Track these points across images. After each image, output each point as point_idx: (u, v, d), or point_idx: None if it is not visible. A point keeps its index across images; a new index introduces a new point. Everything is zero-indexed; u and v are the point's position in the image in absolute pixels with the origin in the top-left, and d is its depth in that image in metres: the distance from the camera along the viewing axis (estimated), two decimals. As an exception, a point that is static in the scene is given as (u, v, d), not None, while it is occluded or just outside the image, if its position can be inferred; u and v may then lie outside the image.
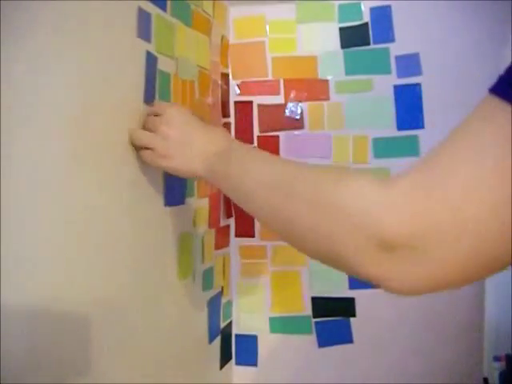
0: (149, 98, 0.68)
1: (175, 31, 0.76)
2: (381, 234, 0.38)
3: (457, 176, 0.35)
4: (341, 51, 1.01)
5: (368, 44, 1.00)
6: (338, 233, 0.41)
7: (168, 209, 0.73)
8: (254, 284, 1.05)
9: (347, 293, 1.01)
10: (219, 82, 0.99)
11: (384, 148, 0.99)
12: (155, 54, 0.70)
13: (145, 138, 0.62)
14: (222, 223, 1.00)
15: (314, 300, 1.03)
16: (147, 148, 0.62)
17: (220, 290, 0.97)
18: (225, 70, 1.03)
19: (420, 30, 0.97)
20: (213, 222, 0.93)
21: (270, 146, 1.03)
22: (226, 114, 1.03)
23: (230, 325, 1.04)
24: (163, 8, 0.72)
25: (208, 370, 0.93)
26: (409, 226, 0.36)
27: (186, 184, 0.79)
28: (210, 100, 0.92)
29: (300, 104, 1.03)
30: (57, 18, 0.49)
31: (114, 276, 0.60)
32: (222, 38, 1.00)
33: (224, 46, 1.01)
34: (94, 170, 0.56)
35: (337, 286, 1.01)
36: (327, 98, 1.02)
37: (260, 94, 1.05)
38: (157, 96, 0.70)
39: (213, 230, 0.93)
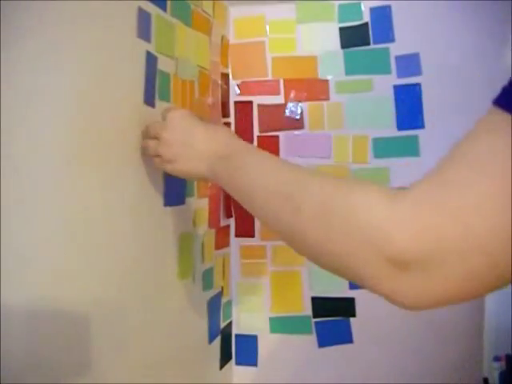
0: (149, 98, 0.68)
1: (175, 31, 0.76)
2: (390, 249, 0.37)
3: (467, 191, 0.34)
4: (341, 51, 1.01)
5: (368, 44, 1.00)
6: (348, 247, 0.40)
7: (168, 209, 0.73)
8: (254, 284, 1.05)
9: (347, 293, 1.01)
10: (219, 81, 0.99)
11: (384, 148, 0.99)
12: (155, 53, 0.70)
13: (151, 146, 0.64)
14: (222, 223, 1.00)
15: (314, 300, 1.03)
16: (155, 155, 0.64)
17: (220, 290, 0.97)
18: (225, 70, 1.03)
19: (420, 30, 0.97)
20: (213, 222, 0.93)
21: (270, 146, 1.03)
22: (225, 114, 1.03)
23: (230, 325, 1.04)
24: (163, 8, 0.72)
25: (208, 370, 0.93)
26: (418, 241, 0.36)
27: (185, 184, 0.79)
28: (209, 100, 0.92)
29: (300, 104, 1.03)
30: (57, 18, 0.49)
31: (114, 276, 0.60)
32: (222, 38, 1.00)
33: (224, 46, 1.01)
34: (94, 170, 0.56)
35: (337, 286, 1.01)
36: (327, 98, 1.02)
37: (260, 94, 1.05)
38: (157, 96, 0.70)
39: (213, 230, 0.93)
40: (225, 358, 1.00)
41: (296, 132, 1.03)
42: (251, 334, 1.06)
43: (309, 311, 1.03)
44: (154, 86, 0.69)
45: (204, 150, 0.60)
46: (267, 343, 1.05)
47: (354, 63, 1.01)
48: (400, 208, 0.38)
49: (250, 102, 1.05)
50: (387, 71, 0.99)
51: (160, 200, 0.71)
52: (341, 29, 1.01)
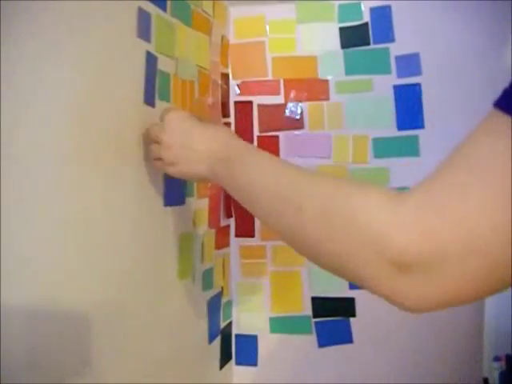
0: (149, 98, 0.68)
1: (175, 31, 0.76)
2: (391, 251, 0.37)
3: (467, 194, 0.34)
4: (341, 51, 1.01)
5: (368, 44, 1.00)
6: (349, 248, 0.41)
7: (168, 209, 0.73)
8: (254, 284, 1.05)
9: (347, 293, 1.01)
10: (219, 81, 0.99)
11: (384, 148, 0.99)
12: (155, 53, 0.70)
13: (153, 150, 0.65)
14: (222, 223, 1.00)
15: (314, 300, 1.03)
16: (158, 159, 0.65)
17: (220, 290, 0.97)
18: (225, 70, 1.03)
19: (420, 30, 0.97)
20: (213, 222, 0.93)
21: (270, 146, 1.03)
22: (225, 114, 1.03)
23: (230, 325, 1.04)
24: (163, 8, 0.72)
25: (208, 370, 0.93)
26: (418, 243, 0.36)
27: (185, 184, 0.79)
28: (209, 100, 0.92)
29: (300, 104, 1.03)
30: (57, 18, 0.49)
31: (114, 276, 0.60)
32: (222, 38, 1.00)
33: (224, 46, 1.01)
34: (94, 170, 0.56)
35: (337, 286, 1.01)
36: (327, 98, 1.02)
37: (260, 94, 1.05)
38: (157, 96, 0.70)
39: (213, 230, 0.93)
40: (225, 358, 1.00)
41: (296, 132, 1.03)
42: (251, 333, 1.06)
43: (309, 311, 1.03)
44: (153, 86, 0.69)
45: (204, 150, 0.60)
46: (267, 343, 1.05)
47: (354, 63, 1.01)
48: (401, 211, 0.38)
49: (250, 102, 1.05)
50: (387, 71, 0.99)
51: (160, 200, 0.71)
52: (341, 29, 1.01)
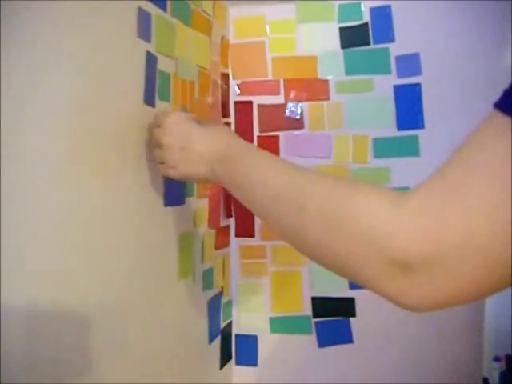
0: (149, 98, 0.68)
1: (175, 31, 0.76)
2: (391, 252, 0.38)
3: (468, 195, 0.35)
4: (341, 51, 1.01)
5: (368, 44, 1.00)
6: (350, 248, 0.41)
7: (168, 209, 0.73)
8: (254, 284, 1.05)
9: (347, 293, 1.01)
10: (219, 81, 0.99)
11: (384, 148, 0.99)
12: (155, 53, 0.70)
13: (155, 155, 0.65)
14: (222, 223, 1.00)
15: (314, 300, 1.03)
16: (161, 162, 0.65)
17: (220, 290, 0.97)
18: (225, 70, 1.03)
19: (420, 30, 0.97)
20: (213, 222, 0.93)
21: (270, 146, 1.03)
22: (225, 114, 1.03)
23: (230, 325, 1.04)
24: (163, 8, 0.72)
25: (208, 370, 0.93)
26: (419, 244, 0.36)
27: (185, 184, 0.79)
28: (209, 100, 0.92)
29: (300, 104, 1.03)
30: (57, 18, 0.49)
31: (114, 276, 0.60)
32: (222, 38, 1.00)
33: (224, 46, 1.01)
34: (94, 170, 0.56)
35: (337, 286, 1.01)
36: (327, 98, 1.02)
37: (260, 94, 1.05)
38: (157, 96, 0.70)
39: (213, 230, 0.93)
40: (225, 358, 1.00)
41: (296, 132, 1.03)
42: (251, 334, 1.06)
43: (309, 311, 1.03)
44: (154, 86, 0.69)
45: (204, 151, 0.60)
46: (267, 343, 1.05)
47: (353, 63, 1.01)
48: (402, 211, 0.38)
49: (250, 102, 1.05)
50: (387, 71, 0.99)
51: (160, 200, 0.71)
52: (341, 29, 1.01)
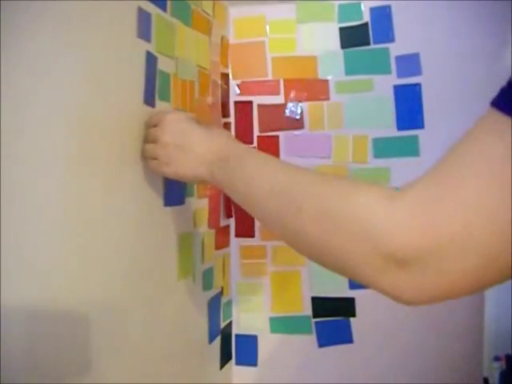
0: (149, 98, 0.68)
1: (175, 31, 0.76)
2: (388, 248, 0.38)
3: (465, 191, 0.35)
4: (341, 51, 1.01)
5: (368, 44, 1.00)
6: (348, 245, 0.41)
7: (168, 209, 0.73)
8: (254, 284, 1.05)
9: (347, 293, 1.01)
10: (219, 81, 0.99)
11: (384, 148, 0.99)
12: (155, 53, 0.70)
13: (148, 150, 0.64)
14: (222, 223, 1.00)
15: (314, 300, 1.03)
16: (153, 158, 0.64)
17: (220, 290, 0.97)
18: (225, 70, 1.03)
19: (420, 30, 0.97)
20: (213, 222, 0.93)
21: (270, 146, 1.03)
22: (225, 114, 1.03)
23: (230, 325, 1.04)
24: (163, 8, 0.72)
25: (208, 369, 0.93)
26: (415, 238, 0.37)
27: (185, 184, 0.79)
28: (209, 100, 0.92)
29: (300, 104, 1.03)
30: (57, 18, 0.49)
31: (114, 276, 0.60)
32: (222, 38, 1.00)
33: (224, 45, 1.01)
34: (94, 170, 0.56)
35: (337, 286, 1.01)
36: (327, 98, 1.02)
37: (260, 94, 1.05)
38: (157, 96, 0.70)
39: (213, 230, 0.93)
40: (225, 358, 1.00)
41: (296, 132, 1.03)
42: (251, 333, 1.06)
43: (309, 311, 1.03)
44: (154, 86, 0.69)
45: (203, 152, 0.60)
46: (267, 343, 1.05)
47: (353, 63, 1.01)
48: (398, 206, 0.38)
49: (250, 102, 1.05)
50: (387, 71, 0.99)
51: (160, 200, 0.71)
52: (341, 29, 1.01)
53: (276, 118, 1.04)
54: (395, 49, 0.98)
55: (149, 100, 0.68)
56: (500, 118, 0.34)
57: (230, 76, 1.05)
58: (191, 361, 0.83)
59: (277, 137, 1.04)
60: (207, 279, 0.89)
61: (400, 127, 0.99)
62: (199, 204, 0.86)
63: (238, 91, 1.05)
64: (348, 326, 1.01)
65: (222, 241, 0.99)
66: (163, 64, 0.72)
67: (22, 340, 0.45)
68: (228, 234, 1.05)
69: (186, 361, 0.81)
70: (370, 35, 1.00)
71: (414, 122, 0.98)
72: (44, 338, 0.47)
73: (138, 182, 0.66)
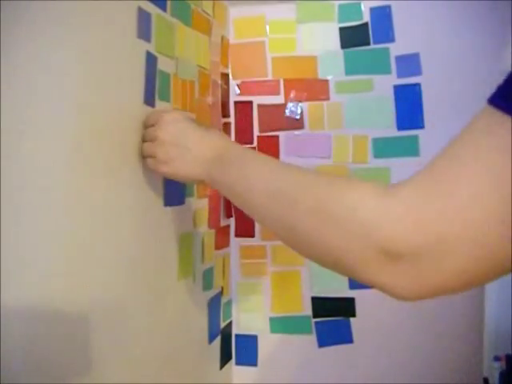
0: (149, 98, 0.68)
1: (175, 31, 0.76)
2: (383, 243, 0.38)
3: (460, 187, 0.35)
4: (341, 51, 1.01)
5: (368, 44, 1.00)
6: (342, 240, 0.41)
7: (168, 209, 0.73)
8: (254, 284, 1.05)
9: (347, 293, 1.01)
10: (219, 81, 0.99)
11: (384, 148, 0.99)
12: (155, 53, 0.70)
13: (146, 148, 0.64)
14: (222, 223, 1.00)
15: (314, 300, 1.03)
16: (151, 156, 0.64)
17: (220, 290, 0.97)
18: (225, 70, 1.03)
19: (420, 30, 0.97)
20: (213, 222, 0.93)
21: (270, 146, 1.03)
22: (225, 114, 1.03)
23: (230, 325, 1.04)
24: (163, 8, 0.72)
25: (208, 369, 0.93)
26: (410, 235, 0.37)
27: (185, 184, 0.79)
28: (209, 100, 0.92)
29: (300, 104, 1.03)
30: (57, 18, 0.49)
31: (114, 276, 0.60)
32: (222, 38, 1.00)
33: (224, 45, 1.01)
34: (94, 171, 0.56)
35: (337, 286, 1.01)
36: (327, 98, 1.02)
37: (260, 94, 1.05)
38: (157, 96, 0.70)
39: (213, 230, 0.93)
40: (225, 357, 1.00)
41: (296, 132, 1.03)
42: (251, 333, 1.06)
43: (309, 311, 1.03)
44: (154, 86, 0.69)
45: (201, 153, 0.60)
46: (267, 343, 1.05)
47: (353, 63, 1.01)
48: (393, 202, 0.38)
49: (250, 102, 1.05)
50: (387, 71, 0.99)
51: (160, 200, 0.71)
52: (341, 29, 1.01)
53: (276, 117, 1.04)
54: (395, 49, 0.98)
55: (149, 100, 0.68)
56: (495, 114, 0.34)
57: (230, 76, 1.05)
58: (191, 361, 0.83)
59: (277, 137, 1.04)
60: (207, 279, 0.89)
61: (400, 127, 0.99)
62: (199, 204, 0.86)
63: (238, 91, 1.06)
64: (348, 326, 1.01)
65: (221, 241, 0.99)
66: (163, 64, 0.72)
67: (22, 340, 0.45)
68: (228, 233, 1.05)
69: (186, 361, 0.81)
70: (370, 35, 1.00)
71: (413, 122, 0.98)
72: (44, 338, 0.47)
73: (138, 182, 0.66)
